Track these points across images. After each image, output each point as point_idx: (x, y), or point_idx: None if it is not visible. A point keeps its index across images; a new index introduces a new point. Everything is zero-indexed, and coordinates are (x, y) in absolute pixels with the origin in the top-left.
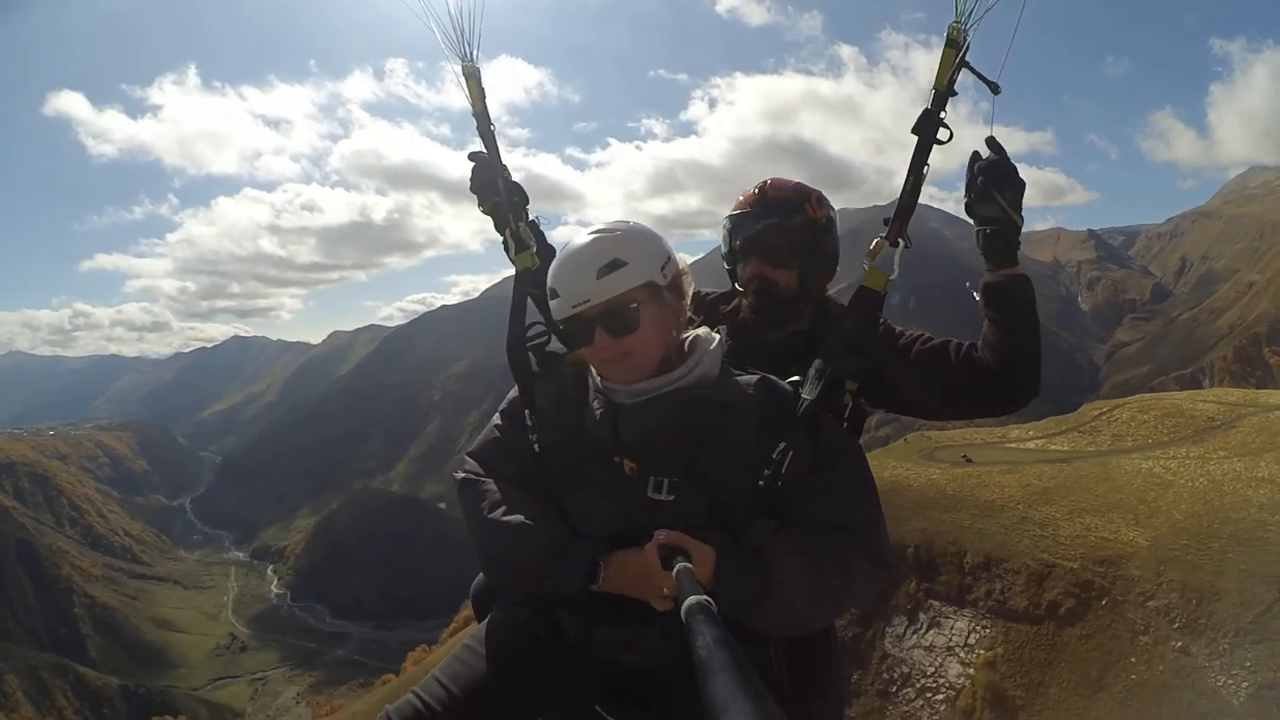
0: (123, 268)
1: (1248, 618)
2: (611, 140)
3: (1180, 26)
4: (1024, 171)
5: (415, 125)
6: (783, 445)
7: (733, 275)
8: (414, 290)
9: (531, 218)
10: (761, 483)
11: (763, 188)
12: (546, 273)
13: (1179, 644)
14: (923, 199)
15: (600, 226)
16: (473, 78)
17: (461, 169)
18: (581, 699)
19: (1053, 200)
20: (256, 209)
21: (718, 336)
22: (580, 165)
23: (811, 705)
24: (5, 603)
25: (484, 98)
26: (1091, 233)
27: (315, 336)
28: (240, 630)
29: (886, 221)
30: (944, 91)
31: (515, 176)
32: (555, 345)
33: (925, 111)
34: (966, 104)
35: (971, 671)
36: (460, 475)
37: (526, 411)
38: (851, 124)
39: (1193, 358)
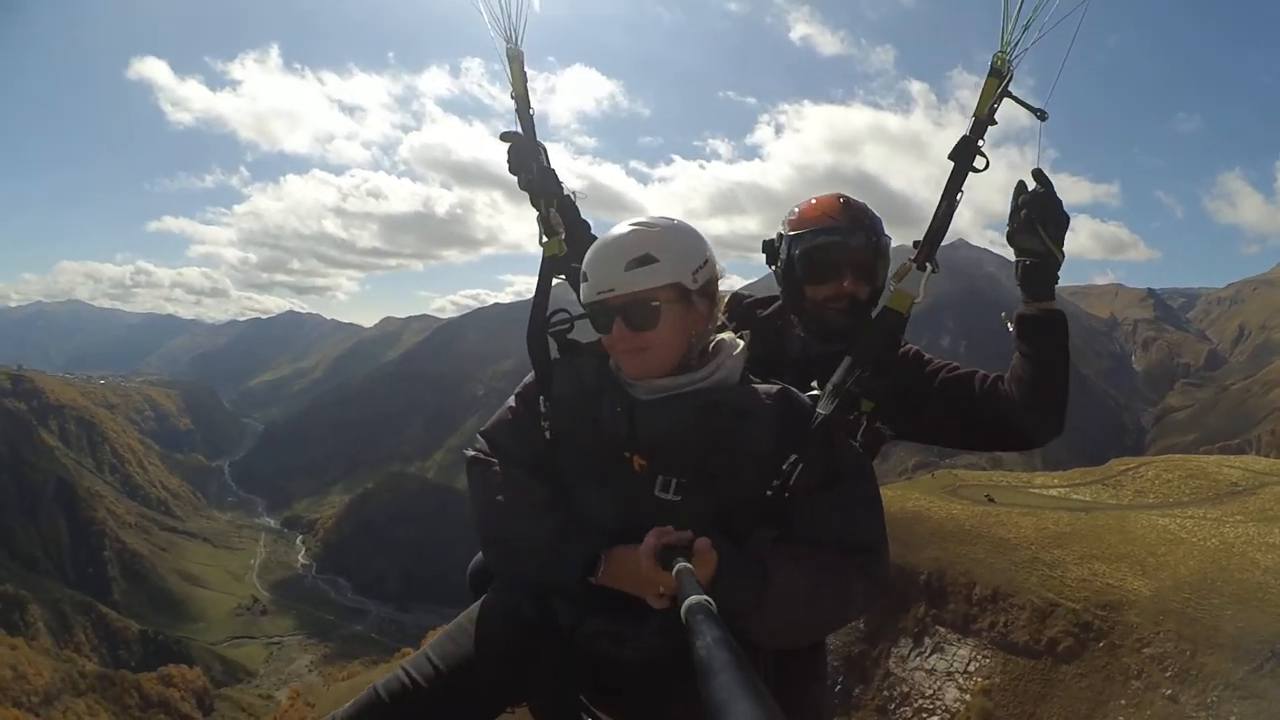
0: (188, 232)
1: (1239, 674)
2: (676, 157)
3: (1255, 86)
4: (1086, 222)
5: (486, 125)
6: (794, 457)
7: (793, 289)
8: (469, 285)
9: (568, 193)
10: (769, 492)
11: (847, 201)
12: (571, 261)
13: (1169, 691)
14: (982, 241)
15: (643, 219)
16: (515, 60)
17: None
18: (566, 688)
19: (1114, 254)
20: (324, 190)
21: (742, 343)
22: (644, 179)
23: (799, 714)
24: (38, 537)
25: (525, 80)
26: (1151, 292)
27: (368, 320)
28: (262, 594)
29: (916, 244)
30: (984, 120)
31: (577, 184)
32: (577, 333)
33: (964, 138)
34: (1034, 147)
35: (968, 697)
36: (470, 453)
37: (541, 398)
38: (916, 160)
39: (1242, 429)
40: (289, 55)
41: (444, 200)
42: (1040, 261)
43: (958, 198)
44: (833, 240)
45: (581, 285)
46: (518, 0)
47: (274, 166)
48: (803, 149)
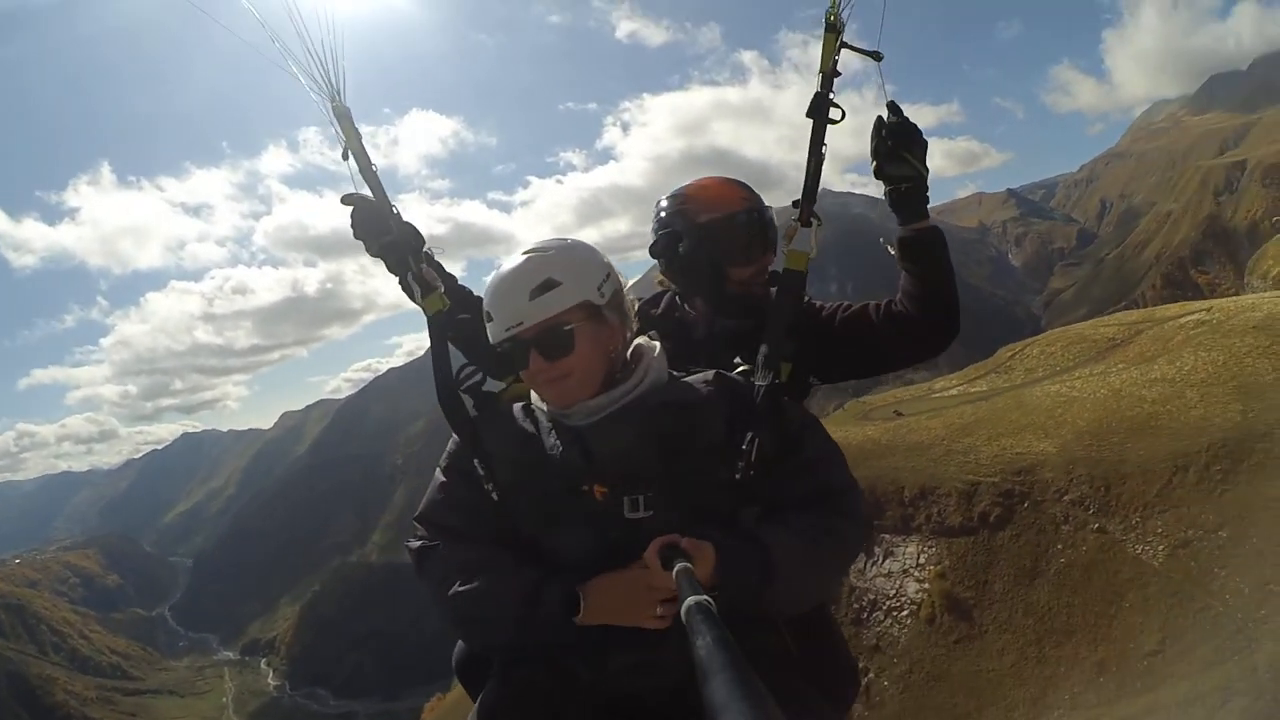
0: (61, 380)
1: (1152, 493)
2: (532, 178)
3: None
4: (937, 143)
5: (336, 190)
6: (750, 435)
7: (712, 275)
8: (358, 358)
9: (431, 253)
10: (738, 476)
11: (737, 181)
12: (458, 314)
13: (1096, 526)
14: (844, 186)
15: (534, 245)
16: (344, 117)
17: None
18: None
19: (969, 167)
20: (187, 300)
21: (658, 343)
22: (505, 207)
23: (829, 685)
24: None
25: (359, 136)
26: (1011, 192)
27: (266, 421)
28: None
29: (795, 204)
30: (830, 73)
31: (440, 229)
32: (490, 383)
33: (816, 95)
34: (871, 88)
35: (927, 586)
36: (413, 545)
37: (475, 460)
38: (763, 125)
39: (1126, 292)
40: (121, 169)
41: (311, 279)
42: (912, 185)
43: (823, 151)
44: (752, 219)
45: (488, 325)
46: (331, 54)
47: (131, 288)
48: (653, 140)
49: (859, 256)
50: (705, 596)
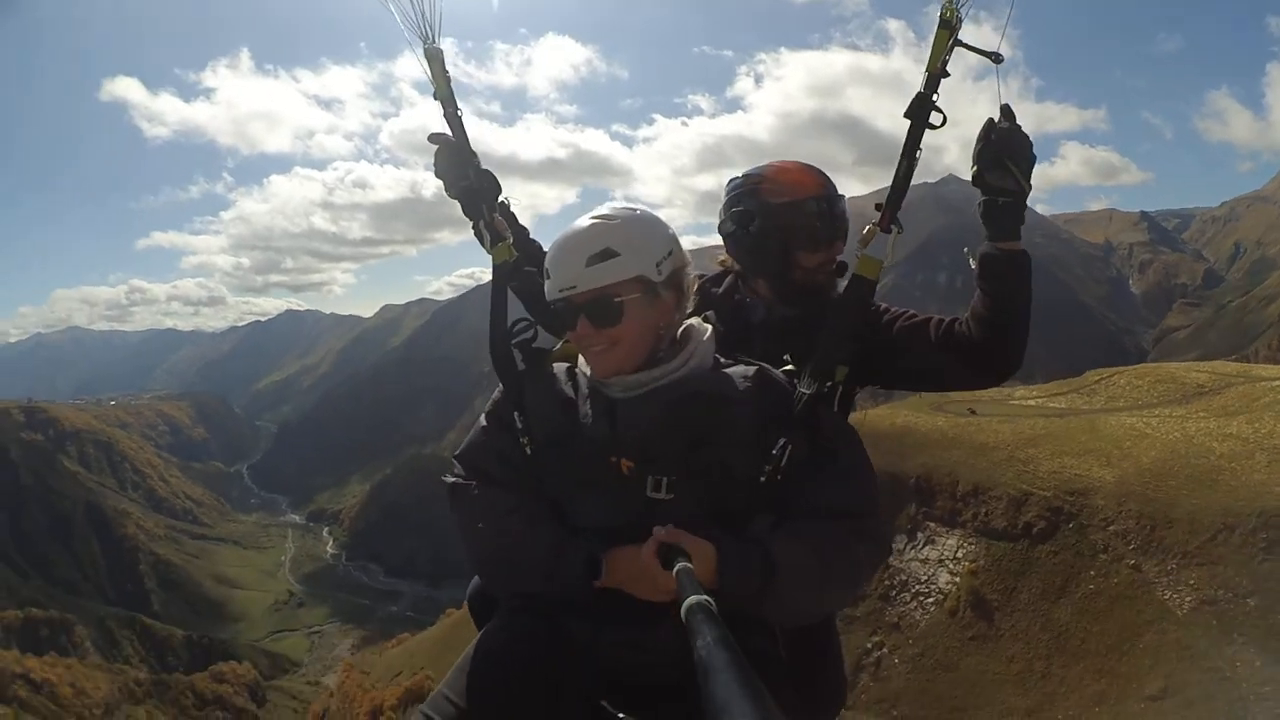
0: (179, 245)
1: (1194, 544)
2: (658, 116)
3: (1233, 3)
4: (1077, 149)
5: (465, 103)
6: (782, 440)
7: (779, 259)
8: (464, 265)
9: (503, 200)
10: (763, 478)
11: (814, 168)
12: (524, 266)
13: (1133, 562)
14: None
15: (604, 211)
16: (435, 59)
17: (509, 145)
18: (589, 702)
19: (1106, 180)
20: (309, 186)
21: (709, 327)
22: (628, 141)
23: (814, 698)
24: (74, 561)
25: (449, 81)
26: (1144, 214)
27: (367, 310)
28: (297, 588)
29: (878, 207)
30: (937, 74)
31: (561, 153)
32: (542, 340)
33: (918, 95)
34: (1018, 80)
35: (958, 579)
36: (449, 480)
37: (515, 413)
38: (899, 99)
39: (1240, 345)
40: (260, 57)
41: (430, 183)
42: (1012, 199)
43: (917, 156)
44: (824, 207)
45: (545, 282)
46: None
47: (257, 169)
48: (785, 97)
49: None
50: (705, 596)
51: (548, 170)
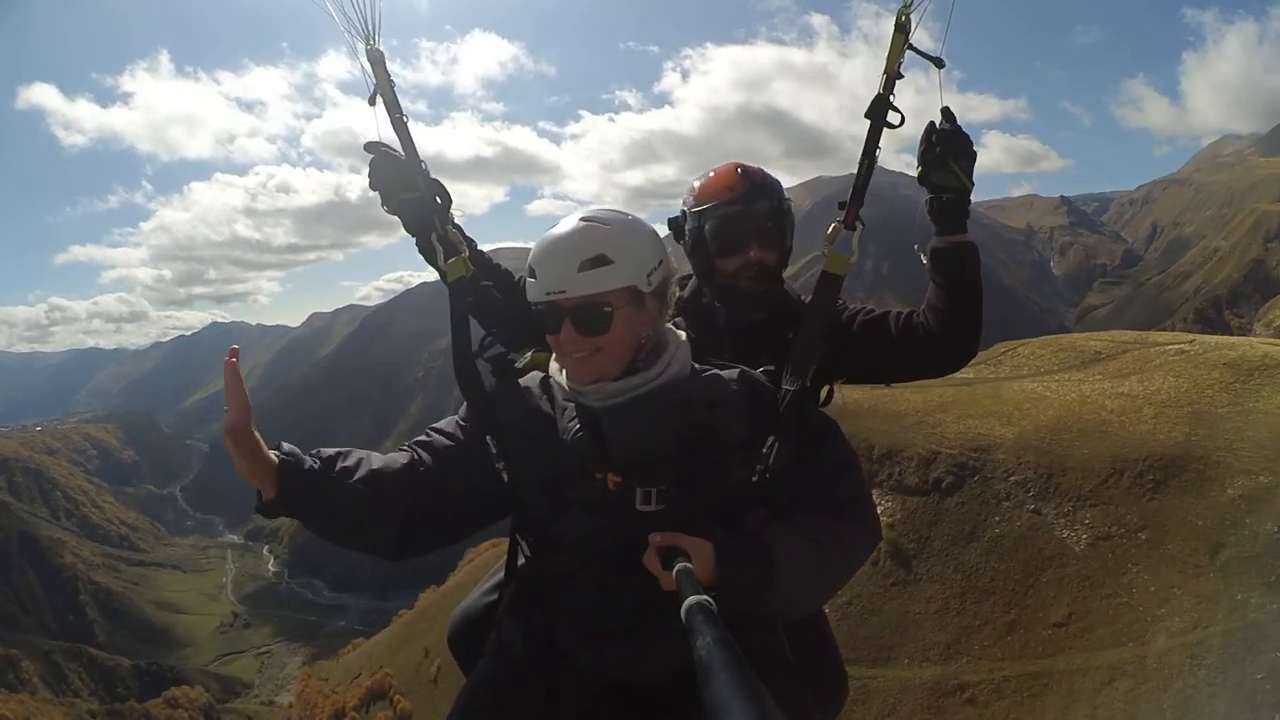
0: (98, 259)
1: (1088, 487)
2: (585, 113)
3: None
4: (997, 138)
5: None
6: (770, 439)
7: (703, 264)
8: (392, 268)
9: (457, 220)
10: (754, 478)
11: (744, 171)
12: (479, 281)
13: (1033, 507)
14: (896, 167)
15: (595, 213)
16: (378, 62)
17: (435, 144)
18: (588, 712)
19: (1027, 167)
20: (230, 193)
21: (683, 333)
22: (556, 138)
23: (820, 690)
24: (12, 595)
25: (392, 85)
26: (1064, 199)
27: (295, 319)
28: (241, 609)
29: (841, 205)
30: (894, 75)
31: (488, 151)
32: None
33: (877, 96)
34: (935, 75)
35: None
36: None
37: (488, 438)
38: (825, 92)
39: (1158, 320)
40: (180, 59)
41: (355, 185)
42: (956, 196)
43: (876, 155)
44: (735, 211)
45: (528, 281)
46: None
47: (177, 176)
48: (711, 91)
49: (901, 238)
50: (705, 596)
51: (475, 169)
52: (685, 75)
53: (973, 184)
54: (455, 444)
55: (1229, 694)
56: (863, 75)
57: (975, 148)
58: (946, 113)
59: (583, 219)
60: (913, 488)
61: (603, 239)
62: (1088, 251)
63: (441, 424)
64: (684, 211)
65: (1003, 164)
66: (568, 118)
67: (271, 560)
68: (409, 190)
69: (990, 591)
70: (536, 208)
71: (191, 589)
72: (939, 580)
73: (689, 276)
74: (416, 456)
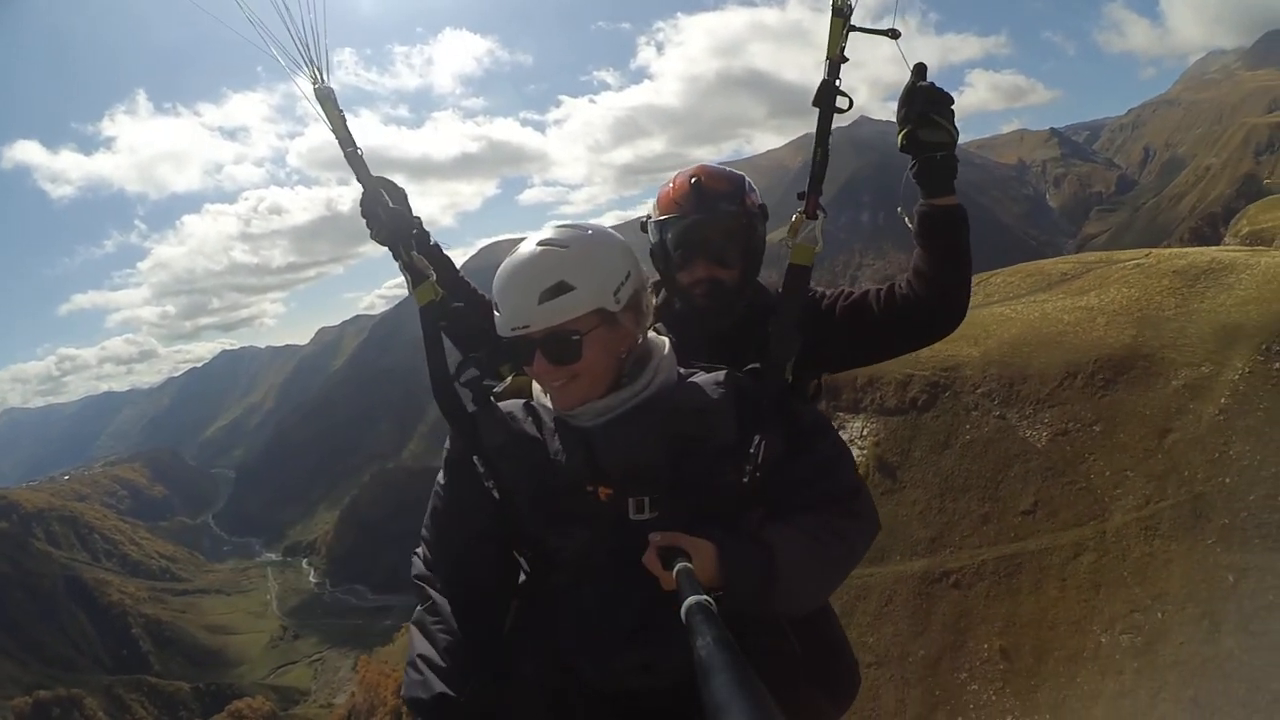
0: (100, 304)
1: (1045, 391)
2: (564, 97)
3: None
4: (981, 75)
5: (373, 111)
6: (758, 438)
7: (666, 274)
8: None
9: (431, 241)
10: (746, 479)
11: (696, 183)
12: (451, 303)
13: (998, 414)
14: (883, 116)
15: (551, 235)
16: (327, 100)
17: (421, 147)
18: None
19: (1015, 102)
20: (223, 221)
21: (666, 339)
22: (539, 126)
23: (831, 684)
24: (66, 639)
25: (344, 120)
26: (1054, 131)
27: (303, 337)
28: (289, 622)
29: (801, 196)
30: (837, 60)
31: (473, 147)
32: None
33: (823, 83)
34: (915, 16)
35: (865, 452)
36: (415, 566)
37: (475, 458)
38: (802, 49)
39: (1156, 242)
40: (157, 97)
41: (345, 197)
42: (946, 153)
43: (829, 143)
44: (684, 225)
45: (496, 316)
46: (312, 31)
47: (169, 212)
48: (689, 61)
49: (893, 188)
50: (705, 596)
51: (463, 166)
52: (660, 48)
53: (958, 133)
54: (461, 522)
55: (1182, 559)
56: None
57: (954, 93)
58: (920, 68)
59: (540, 243)
60: (893, 409)
61: (560, 265)
62: (1082, 181)
63: (432, 507)
64: (646, 220)
65: (989, 101)
66: (548, 104)
67: (312, 572)
68: (376, 219)
69: (965, 490)
70: (529, 197)
71: (238, 610)
72: (921, 485)
73: (659, 283)
74: (460, 582)
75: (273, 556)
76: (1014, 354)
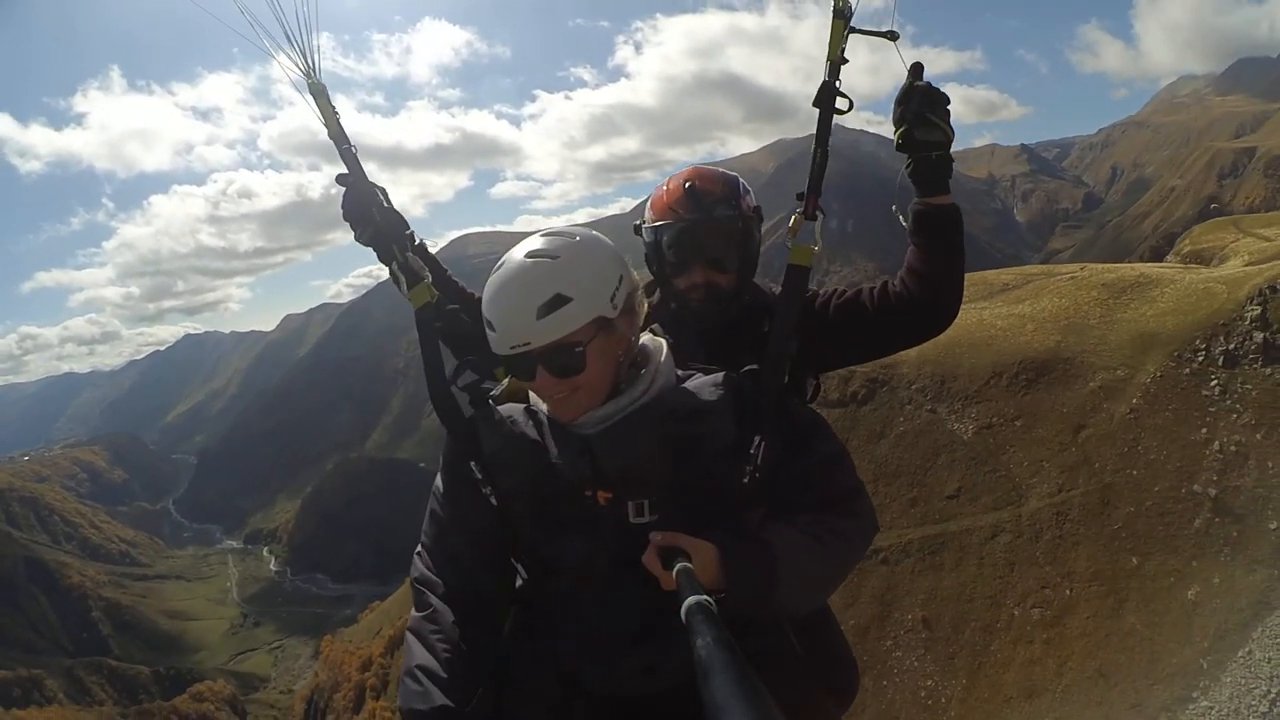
0: (64, 282)
1: (973, 388)
2: (540, 92)
3: None
4: (955, 89)
5: (349, 97)
6: (757, 439)
7: (661, 278)
8: (361, 264)
9: (418, 241)
10: (746, 480)
11: (691, 187)
12: (445, 306)
13: (930, 407)
14: (858, 124)
15: (539, 245)
16: (321, 95)
17: (395, 135)
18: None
19: (988, 117)
20: (191, 203)
21: (663, 341)
22: (514, 120)
23: (831, 681)
24: (25, 620)
25: (338, 117)
26: (1025, 147)
27: (268, 323)
28: (248, 609)
29: (800, 197)
30: (838, 61)
31: (448, 138)
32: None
33: (823, 84)
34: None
35: None
36: (415, 571)
37: (472, 464)
38: (779, 55)
39: (1118, 260)
40: (132, 74)
41: (316, 183)
42: (943, 151)
43: (829, 143)
44: (678, 230)
45: (489, 334)
46: (304, 27)
47: (137, 191)
48: (666, 61)
49: (864, 195)
50: (705, 596)
51: (436, 157)
52: (638, 48)
53: (954, 133)
54: (461, 517)
55: (1090, 542)
56: (815, 36)
57: (949, 97)
58: (916, 69)
59: (528, 254)
60: (835, 401)
61: (554, 276)
62: (1049, 197)
63: (431, 510)
64: (640, 224)
65: (963, 115)
66: (524, 99)
67: (273, 560)
68: (369, 220)
69: (897, 475)
70: (501, 190)
71: (198, 596)
72: (858, 472)
73: (654, 284)
74: (455, 580)
75: (233, 544)
76: (947, 355)
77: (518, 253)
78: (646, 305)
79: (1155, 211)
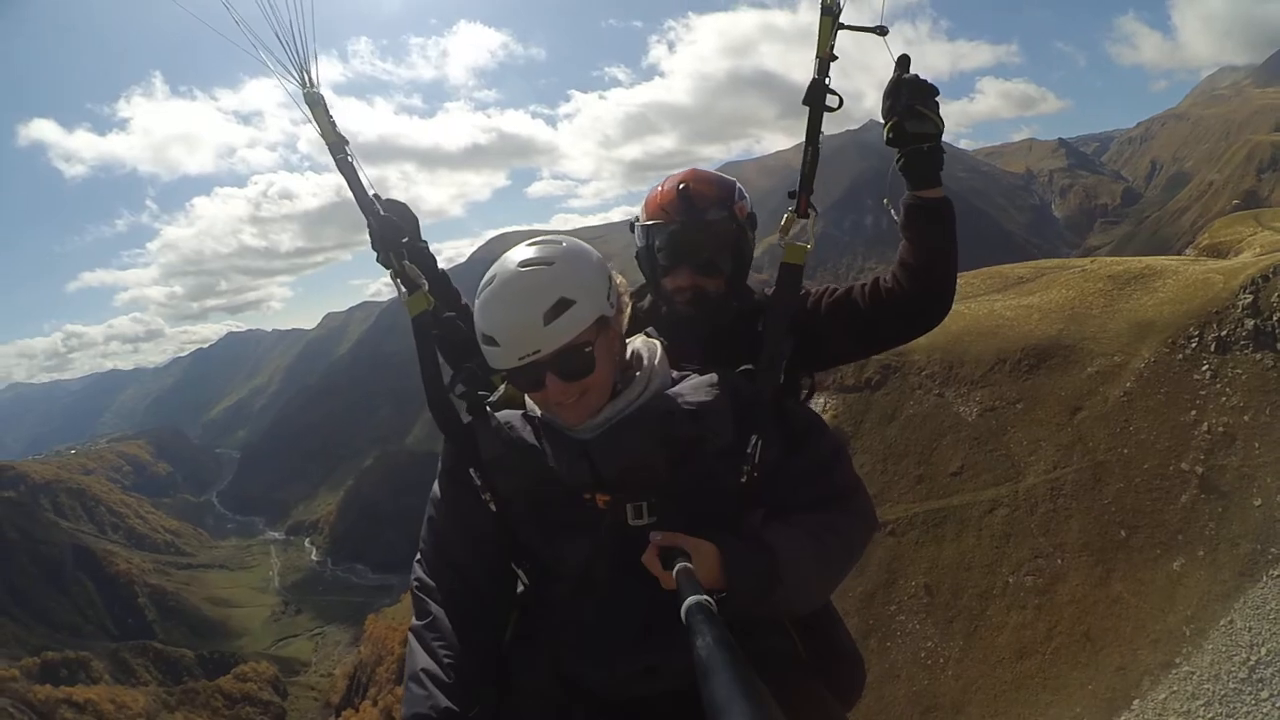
0: (109, 282)
1: (979, 374)
2: (574, 92)
3: None
4: (993, 84)
5: (387, 100)
6: (754, 439)
7: (651, 278)
8: None
9: (420, 242)
10: (744, 480)
11: (684, 190)
12: (443, 313)
13: (938, 392)
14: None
15: (529, 253)
16: (317, 105)
17: (433, 137)
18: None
19: (1026, 110)
20: (233, 204)
21: (658, 343)
22: (550, 120)
23: (835, 679)
24: (73, 606)
25: (335, 125)
26: (1062, 141)
27: (309, 321)
28: (290, 597)
29: (791, 195)
30: (826, 58)
31: (484, 139)
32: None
33: (813, 81)
34: (926, 22)
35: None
36: (412, 583)
37: (471, 469)
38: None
39: (1158, 255)
40: (174, 80)
41: None
42: (934, 144)
43: (820, 141)
44: (668, 232)
45: (489, 350)
46: (300, 36)
47: (180, 193)
48: (699, 60)
49: (898, 192)
50: (705, 596)
51: (473, 157)
52: (672, 47)
53: (944, 123)
54: (463, 529)
55: (1081, 515)
56: (847, 33)
57: (965, 100)
58: (904, 61)
59: (520, 264)
60: (850, 387)
61: (555, 279)
62: (1088, 192)
63: (428, 517)
64: (634, 222)
65: (1000, 109)
66: (559, 99)
67: (314, 551)
68: (371, 229)
69: (905, 455)
70: (537, 189)
71: (240, 584)
72: (870, 451)
73: (643, 287)
74: (456, 585)
75: (276, 535)
76: (956, 343)
77: (507, 266)
78: (629, 301)
79: (1193, 206)
